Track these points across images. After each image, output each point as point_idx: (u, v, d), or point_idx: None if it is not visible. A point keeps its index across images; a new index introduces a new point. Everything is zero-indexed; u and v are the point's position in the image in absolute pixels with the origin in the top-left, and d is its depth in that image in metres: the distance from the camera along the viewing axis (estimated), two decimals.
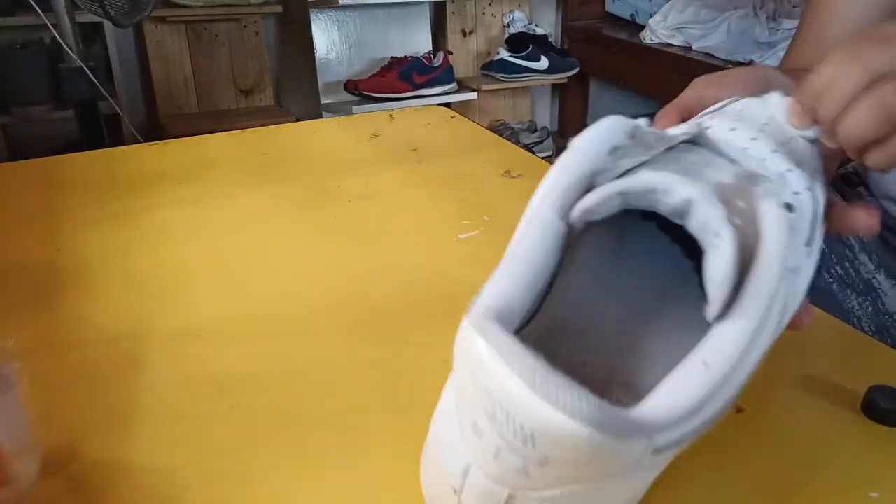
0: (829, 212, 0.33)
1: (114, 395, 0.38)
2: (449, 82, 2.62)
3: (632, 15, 3.06)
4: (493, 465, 0.23)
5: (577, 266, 0.32)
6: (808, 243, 0.31)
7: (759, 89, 0.38)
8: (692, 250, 0.29)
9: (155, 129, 2.39)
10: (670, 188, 0.26)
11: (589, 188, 0.28)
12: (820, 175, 0.33)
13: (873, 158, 0.32)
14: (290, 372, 0.40)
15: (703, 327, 0.25)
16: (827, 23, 0.60)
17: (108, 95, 1.50)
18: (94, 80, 1.41)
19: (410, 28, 2.72)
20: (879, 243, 0.61)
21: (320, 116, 2.44)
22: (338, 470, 0.33)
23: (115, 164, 0.75)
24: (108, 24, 2.09)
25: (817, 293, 0.60)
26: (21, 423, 0.31)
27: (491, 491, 0.24)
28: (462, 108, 2.45)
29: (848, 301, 0.61)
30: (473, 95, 2.72)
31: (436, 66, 2.57)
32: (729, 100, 0.38)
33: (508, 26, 2.93)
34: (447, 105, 1.32)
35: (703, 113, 0.38)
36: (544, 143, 2.86)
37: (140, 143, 0.90)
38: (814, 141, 0.34)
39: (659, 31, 2.66)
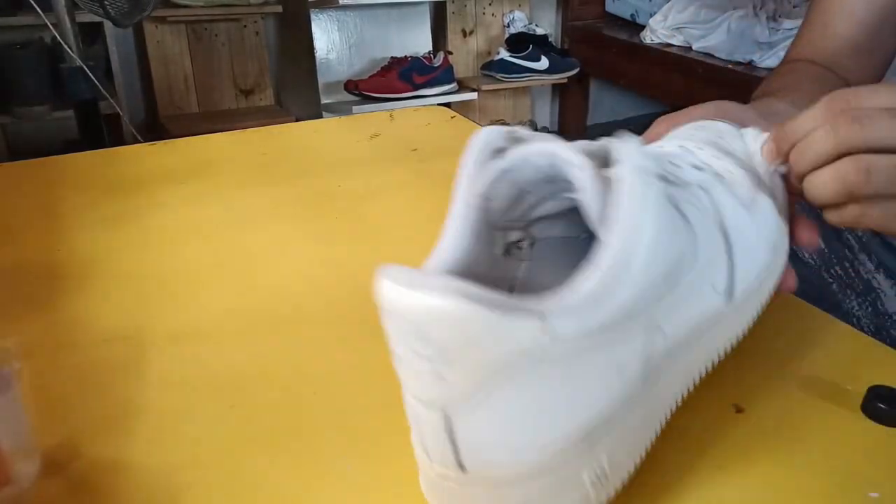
0: (792, 226, 0.38)
1: (114, 395, 0.38)
2: (449, 82, 2.62)
3: (632, 15, 3.06)
4: (417, 384, 0.25)
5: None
6: (749, 204, 0.34)
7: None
8: None
9: (155, 129, 2.39)
10: (541, 150, 0.29)
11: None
12: (772, 188, 0.36)
13: (829, 215, 0.35)
14: (290, 372, 0.40)
15: None
16: (833, 13, 0.62)
17: (108, 95, 1.51)
18: (94, 79, 1.41)
19: (410, 28, 2.72)
20: (879, 243, 0.61)
21: (320, 116, 2.44)
22: (338, 470, 0.33)
23: (115, 164, 0.75)
24: (108, 24, 2.10)
25: (818, 293, 0.60)
26: (21, 423, 0.31)
27: (428, 419, 0.25)
28: (462, 108, 2.45)
29: (848, 301, 0.61)
30: (473, 95, 2.72)
31: (436, 66, 2.58)
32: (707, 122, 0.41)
33: (508, 26, 2.93)
34: (447, 105, 1.32)
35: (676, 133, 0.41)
36: None
37: (140, 143, 0.90)
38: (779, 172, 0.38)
39: (659, 31, 2.66)
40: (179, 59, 2.45)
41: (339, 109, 2.46)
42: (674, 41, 2.61)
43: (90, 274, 0.51)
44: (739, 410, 0.36)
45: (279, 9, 2.51)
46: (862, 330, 0.43)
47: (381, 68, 2.58)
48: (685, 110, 0.44)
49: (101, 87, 1.44)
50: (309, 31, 2.47)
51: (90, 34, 2.11)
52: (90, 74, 1.40)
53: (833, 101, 0.33)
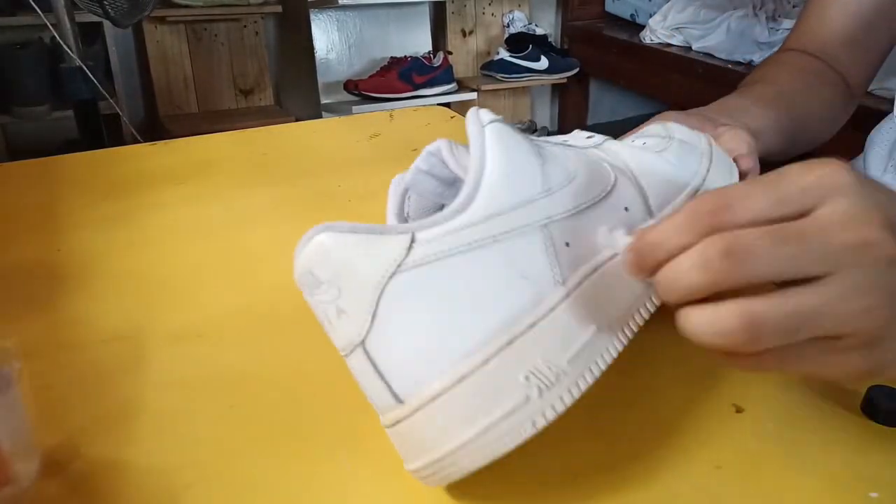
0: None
1: (114, 395, 0.38)
2: (449, 82, 2.63)
3: (632, 15, 3.06)
4: (335, 333, 0.29)
5: None
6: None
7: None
8: None
9: (155, 129, 2.40)
10: (436, 146, 0.34)
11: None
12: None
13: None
14: (290, 372, 0.40)
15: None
16: (829, 6, 0.64)
17: (107, 95, 1.50)
18: (93, 80, 1.41)
19: (410, 28, 2.73)
20: None
21: (320, 116, 2.44)
22: (338, 470, 0.33)
23: (114, 164, 0.75)
24: (107, 24, 2.10)
25: None
26: (21, 423, 0.31)
27: (358, 367, 0.28)
28: (462, 108, 2.45)
29: None
30: (473, 95, 2.72)
31: (436, 66, 2.58)
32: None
33: (508, 26, 2.93)
34: (447, 105, 1.32)
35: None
36: None
37: (140, 143, 0.90)
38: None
39: (659, 31, 2.67)
40: (179, 59, 2.45)
41: (339, 109, 2.47)
42: (673, 41, 2.62)
43: (90, 274, 0.51)
44: (739, 410, 0.36)
45: (279, 9, 2.51)
46: None
47: (381, 68, 2.58)
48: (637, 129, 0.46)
49: (100, 87, 1.44)
50: (309, 31, 2.47)
51: (90, 34, 2.11)
52: (90, 74, 1.40)
53: (699, 210, 0.27)
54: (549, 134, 2.96)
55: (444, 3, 2.78)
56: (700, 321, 0.26)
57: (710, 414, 0.35)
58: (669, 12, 2.66)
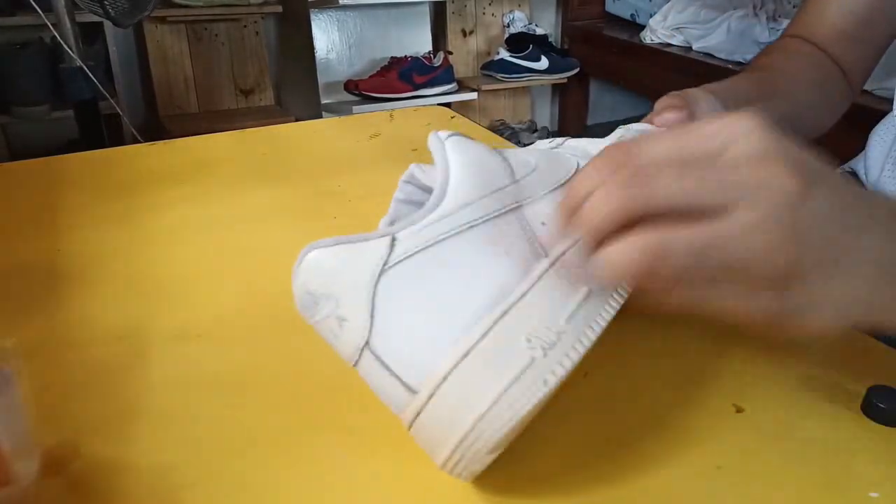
0: None
1: (114, 395, 0.38)
2: (449, 82, 2.62)
3: (632, 15, 3.06)
4: (340, 344, 0.30)
5: None
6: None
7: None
8: None
9: (155, 129, 2.40)
10: (408, 172, 0.40)
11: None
12: None
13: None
14: (290, 372, 0.40)
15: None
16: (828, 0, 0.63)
17: (108, 95, 1.51)
18: (94, 79, 1.41)
19: (410, 28, 2.73)
20: None
21: (320, 116, 2.44)
22: (339, 470, 0.33)
23: (114, 164, 0.75)
24: (108, 24, 2.10)
25: None
26: (21, 423, 0.31)
27: (371, 371, 0.29)
28: (462, 108, 2.45)
29: None
30: (473, 95, 2.72)
31: (436, 66, 2.58)
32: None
33: (508, 26, 2.93)
34: (447, 105, 1.32)
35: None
36: None
37: (140, 143, 0.90)
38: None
39: (659, 31, 2.67)
40: (179, 58, 2.45)
41: (339, 109, 2.47)
42: (674, 41, 2.62)
43: (90, 274, 0.51)
44: (739, 410, 0.36)
45: (279, 9, 2.51)
46: (862, 330, 0.43)
47: (381, 68, 2.58)
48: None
49: (100, 87, 1.44)
50: (309, 31, 2.47)
51: (90, 34, 2.11)
52: (90, 74, 1.40)
53: (611, 155, 0.28)
54: (550, 134, 2.96)
55: (445, 3, 2.78)
56: (612, 253, 0.27)
57: (710, 414, 0.35)
58: (670, 12, 2.66)
